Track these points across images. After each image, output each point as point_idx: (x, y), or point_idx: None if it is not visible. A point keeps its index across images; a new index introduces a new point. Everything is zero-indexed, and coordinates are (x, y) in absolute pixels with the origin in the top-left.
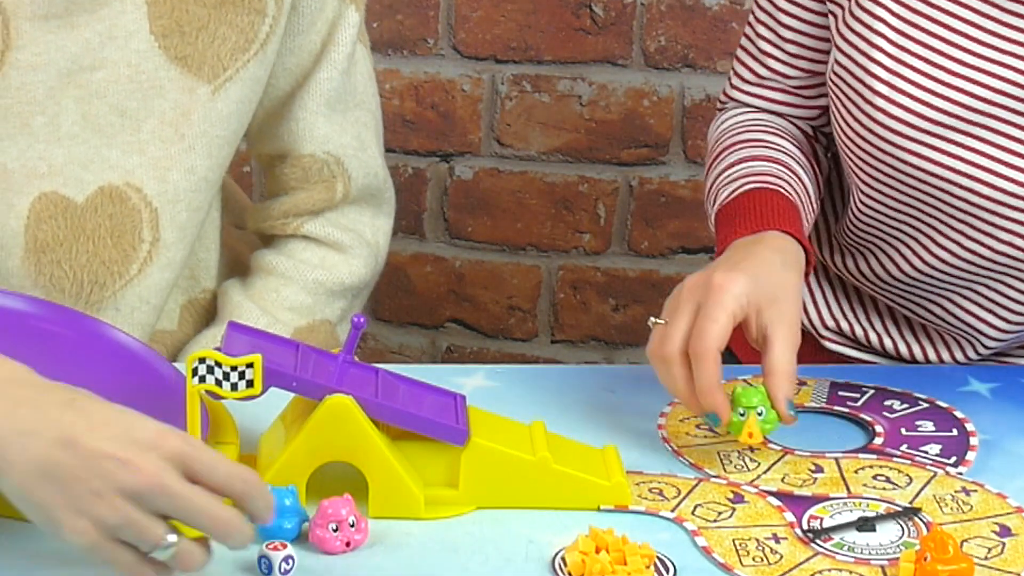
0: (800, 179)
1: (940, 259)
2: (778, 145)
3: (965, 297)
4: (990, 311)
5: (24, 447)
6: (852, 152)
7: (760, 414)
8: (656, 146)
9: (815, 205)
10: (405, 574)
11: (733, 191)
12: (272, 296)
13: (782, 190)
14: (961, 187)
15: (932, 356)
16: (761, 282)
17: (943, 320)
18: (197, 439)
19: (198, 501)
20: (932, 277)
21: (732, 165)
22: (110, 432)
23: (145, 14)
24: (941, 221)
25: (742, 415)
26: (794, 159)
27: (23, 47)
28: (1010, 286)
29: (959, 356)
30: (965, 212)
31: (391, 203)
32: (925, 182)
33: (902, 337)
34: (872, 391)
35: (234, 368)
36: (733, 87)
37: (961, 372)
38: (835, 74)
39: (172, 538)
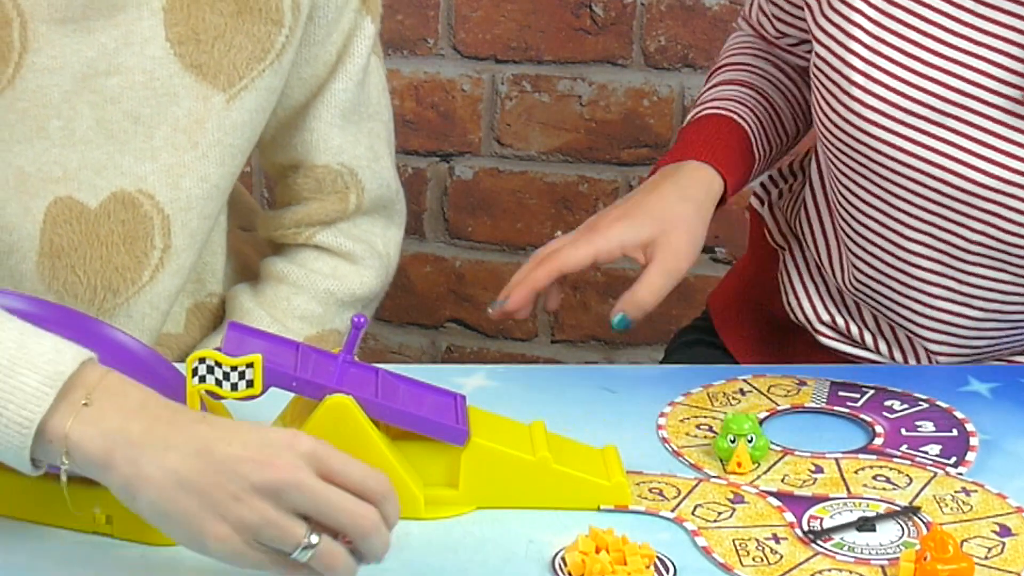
0: (768, 99)
1: (914, 252)
2: (759, 69)
3: (940, 285)
4: (964, 304)
5: (161, 461)
6: (831, 143)
7: (750, 441)
8: (656, 146)
9: (786, 126)
10: (405, 574)
11: (692, 116)
12: (283, 304)
13: (734, 115)
14: (934, 177)
15: (913, 361)
16: (648, 220)
17: (918, 315)
18: (327, 441)
19: (336, 496)
20: (905, 272)
21: (709, 89)
22: (243, 438)
23: (161, 21)
24: (913, 215)
25: (732, 442)
26: (771, 82)
27: (40, 50)
28: (983, 276)
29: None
30: (938, 203)
31: (402, 214)
32: (899, 172)
33: (896, 340)
34: (872, 391)
35: (234, 368)
36: (742, 17)
37: (961, 372)
38: (815, 66)
39: (315, 539)
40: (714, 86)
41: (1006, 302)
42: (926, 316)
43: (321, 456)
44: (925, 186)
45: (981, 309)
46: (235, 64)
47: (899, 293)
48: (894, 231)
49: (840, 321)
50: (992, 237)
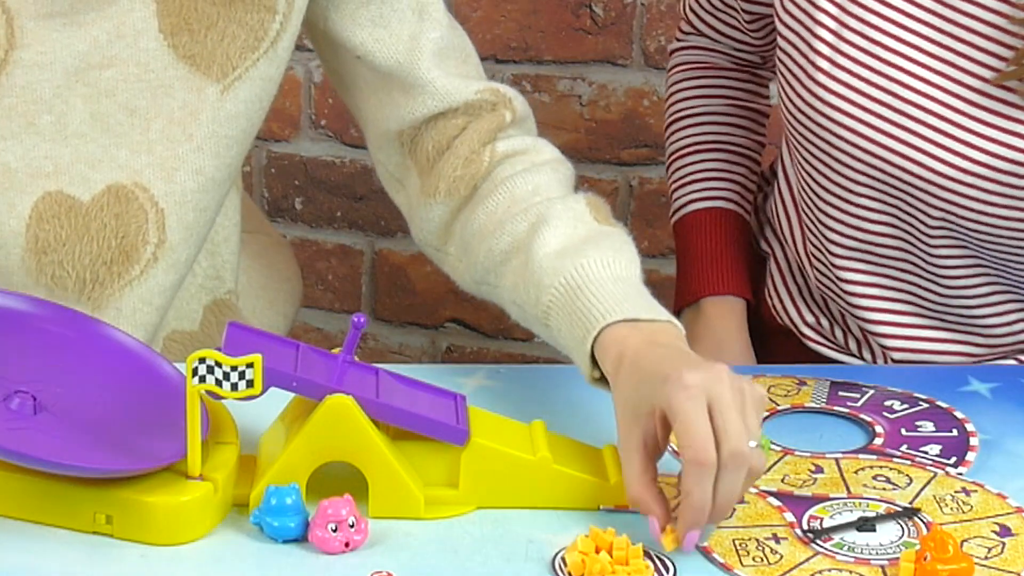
0: (739, 151)
1: (877, 232)
2: (719, 115)
3: (903, 260)
4: (929, 279)
5: None
6: (794, 128)
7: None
8: (656, 146)
9: (759, 162)
10: (405, 574)
11: (680, 206)
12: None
13: (721, 200)
14: (893, 164)
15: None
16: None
17: (886, 290)
18: None
19: None
20: (869, 253)
21: (680, 157)
22: None
23: (154, 12)
24: (874, 199)
25: None
26: (733, 125)
27: (28, 46)
28: (947, 256)
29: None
30: (898, 189)
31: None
32: (860, 159)
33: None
34: (872, 391)
35: (234, 368)
36: (691, 10)
37: (961, 372)
38: (781, 49)
39: None
40: (684, 153)
41: (970, 276)
42: (890, 294)
43: None
44: (885, 172)
45: (947, 286)
46: (228, 54)
47: (862, 273)
48: (856, 215)
49: (824, 323)
50: (951, 222)
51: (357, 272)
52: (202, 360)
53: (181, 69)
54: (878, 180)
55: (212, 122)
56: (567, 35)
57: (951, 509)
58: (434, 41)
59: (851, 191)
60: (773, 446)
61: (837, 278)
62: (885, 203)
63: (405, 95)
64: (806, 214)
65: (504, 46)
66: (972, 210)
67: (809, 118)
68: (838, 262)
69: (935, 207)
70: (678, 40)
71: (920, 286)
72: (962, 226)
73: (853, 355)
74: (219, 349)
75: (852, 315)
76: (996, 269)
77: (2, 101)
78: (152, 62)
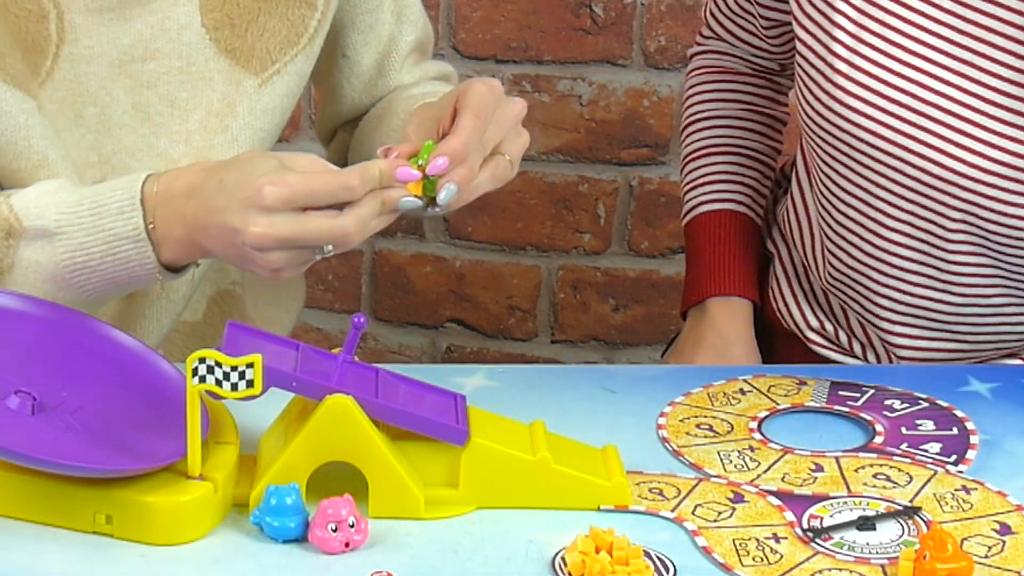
0: (752, 155)
1: (894, 241)
2: (735, 119)
3: (919, 273)
4: (943, 291)
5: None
6: (813, 131)
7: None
8: (656, 146)
9: (772, 167)
10: (405, 574)
11: (692, 207)
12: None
13: (731, 203)
14: (914, 166)
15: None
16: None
17: (900, 303)
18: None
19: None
20: (884, 261)
21: (694, 159)
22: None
23: (197, 7)
24: (893, 204)
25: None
26: (747, 129)
27: (76, 40)
28: (963, 263)
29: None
30: (918, 192)
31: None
32: (880, 161)
33: (884, 349)
34: (872, 391)
35: (234, 368)
36: (711, 14)
37: (961, 372)
38: (799, 53)
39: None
40: (699, 155)
41: (986, 285)
42: (904, 303)
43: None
44: (905, 175)
45: (961, 295)
46: (268, 48)
47: (877, 282)
48: (874, 220)
49: (829, 327)
50: (972, 224)
51: (357, 272)
52: (202, 360)
53: (222, 62)
54: (898, 183)
55: (248, 114)
56: (567, 35)
57: (951, 507)
58: (409, 44)
59: (871, 193)
60: (773, 445)
61: (852, 282)
62: (904, 209)
63: (370, 95)
64: (823, 219)
65: (504, 46)
66: (993, 210)
67: (828, 120)
68: (855, 265)
69: (955, 208)
70: (698, 44)
71: (934, 299)
72: (982, 227)
73: (858, 359)
74: (219, 349)
75: (865, 320)
76: (1012, 274)
77: (54, 95)
78: (194, 55)
